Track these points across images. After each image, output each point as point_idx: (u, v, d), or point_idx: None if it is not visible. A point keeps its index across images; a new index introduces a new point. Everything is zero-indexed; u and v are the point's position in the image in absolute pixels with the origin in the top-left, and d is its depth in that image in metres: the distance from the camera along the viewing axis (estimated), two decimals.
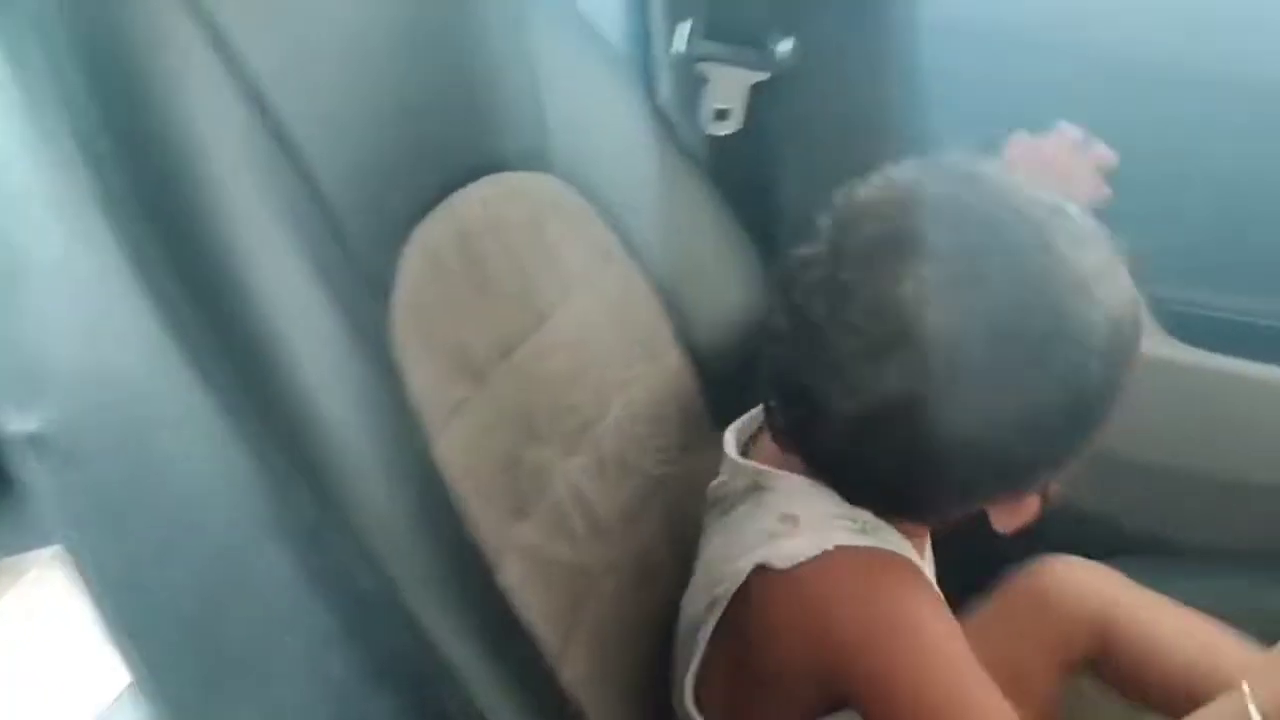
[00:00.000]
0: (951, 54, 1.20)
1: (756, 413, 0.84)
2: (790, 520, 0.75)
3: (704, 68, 1.08)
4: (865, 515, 0.75)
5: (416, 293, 0.75)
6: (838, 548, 0.72)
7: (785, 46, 1.07)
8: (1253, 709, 0.67)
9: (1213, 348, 1.17)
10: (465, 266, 0.80)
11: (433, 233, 0.78)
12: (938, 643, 0.72)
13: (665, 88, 1.15)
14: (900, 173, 0.76)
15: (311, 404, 0.65)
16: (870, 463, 0.73)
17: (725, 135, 1.08)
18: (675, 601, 0.85)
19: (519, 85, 0.90)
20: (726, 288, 1.05)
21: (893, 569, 0.74)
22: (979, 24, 1.27)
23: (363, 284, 0.71)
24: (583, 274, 0.92)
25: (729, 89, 1.07)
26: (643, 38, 1.15)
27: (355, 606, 0.65)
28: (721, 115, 1.08)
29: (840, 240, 0.73)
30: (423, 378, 0.73)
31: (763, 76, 1.07)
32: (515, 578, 0.75)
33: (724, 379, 1.01)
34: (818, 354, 0.71)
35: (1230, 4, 1.25)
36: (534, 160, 0.90)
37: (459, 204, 0.81)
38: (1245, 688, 0.69)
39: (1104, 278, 0.71)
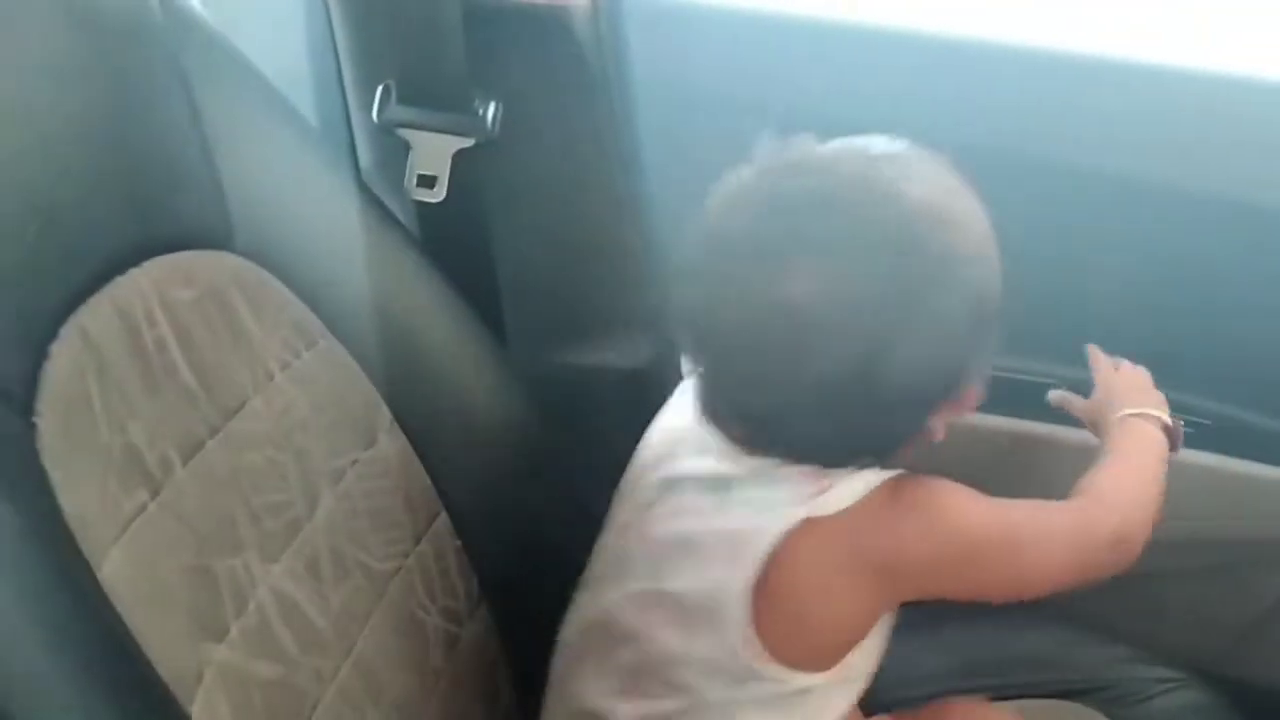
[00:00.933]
0: (668, 114, 1.19)
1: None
2: (821, 478, 0.80)
3: (405, 134, 1.02)
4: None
5: (69, 396, 0.66)
6: (883, 482, 0.80)
7: (489, 111, 1.02)
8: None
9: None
10: (132, 360, 0.71)
11: (89, 326, 0.69)
12: (988, 517, 0.83)
13: (366, 156, 1.10)
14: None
15: None
16: (841, 423, 0.78)
17: (433, 203, 1.02)
18: (412, 707, 0.78)
19: (190, 160, 0.83)
20: (445, 359, 0.99)
21: (921, 479, 0.82)
22: (695, 85, 1.25)
23: None
24: (280, 358, 0.85)
25: (433, 155, 1.02)
26: (340, 104, 1.09)
27: None
28: (427, 182, 1.02)
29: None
30: (83, 492, 0.64)
31: (467, 143, 1.02)
32: (212, 708, 0.66)
33: (451, 456, 0.95)
34: (767, 365, 0.78)
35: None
36: (213, 239, 0.82)
37: (121, 291, 0.72)
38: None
39: (953, 198, 0.79)
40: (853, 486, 0.80)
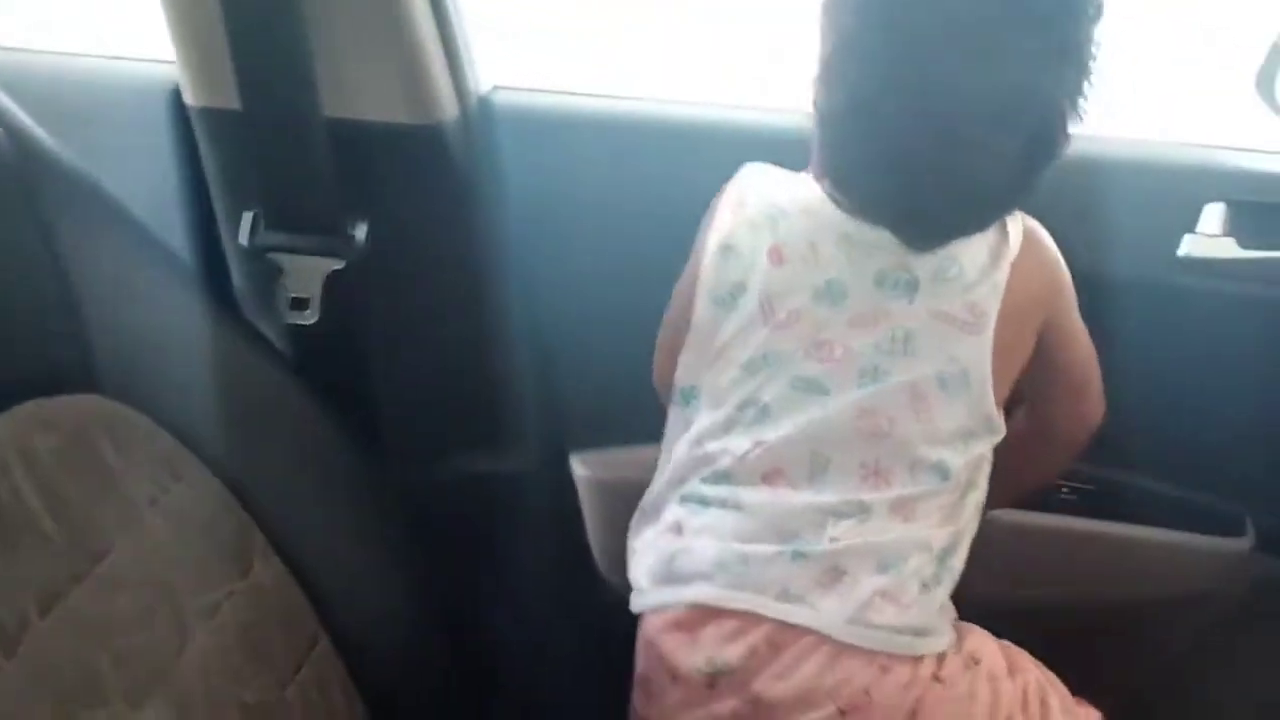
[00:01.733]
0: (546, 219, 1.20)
1: None
2: (1002, 231, 0.94)
3: (277, 258, 1.03)
4: None
5: None
6: (1023, 226, 0.96)
7: (359, 231, 1.04)
8: None
9: None
10: None
11: None
12: None
13: (240, 281, 1.10)
14: None
15: None
16: (1027, 179, 0.90)
17: (307, 325, 1.03)
18: None
19: (49, 303, 0.83)
20: (319, 481, 0.99)
21: (1031, 224, 0.98)
22: (571, 188, 1.26)
23: None
24: (149, 494, 0.84)
25: (304, 278, 1.03)
26: (205, 230, 1.09)
27: None
28: (299, 304, 1.03)
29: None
30: None
31: (339, 264, 1.03)
32: None
33: (330, 577, 0.95)
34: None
35: None
36: (76, 381, 0.82)
37: None
38: None
39: None
40: (1014, 231, 0.95)
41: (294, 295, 1.03)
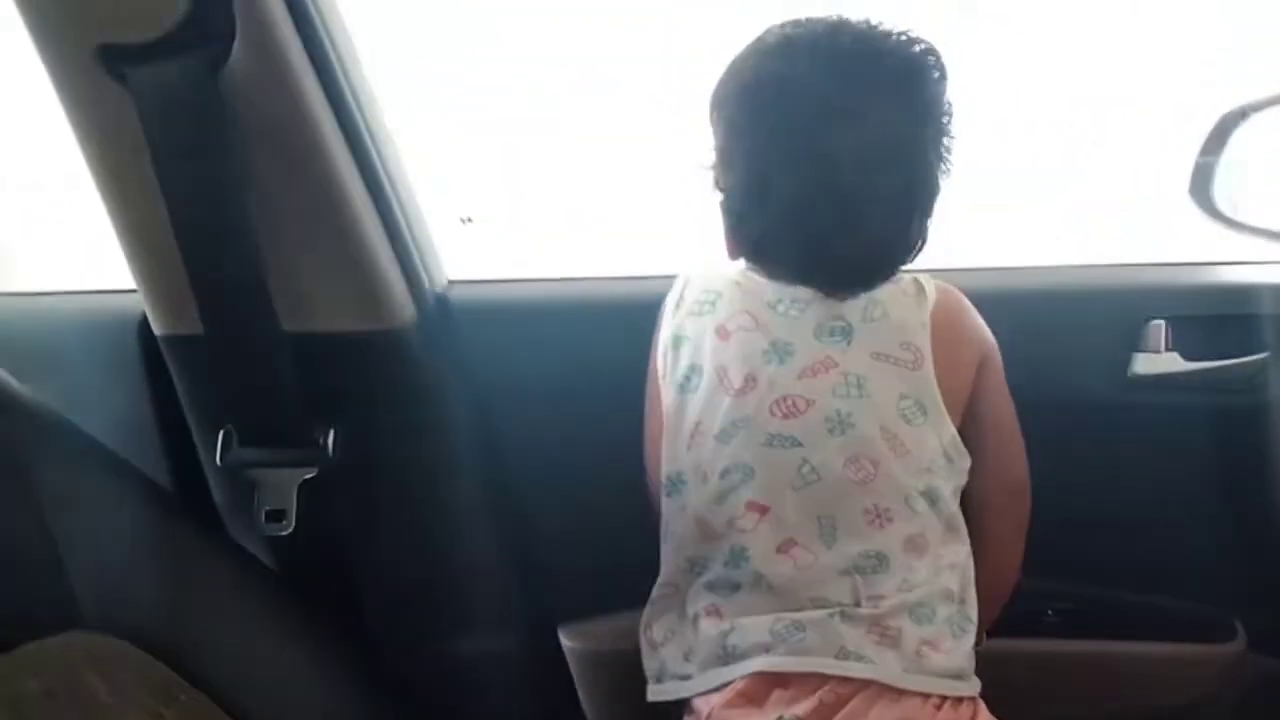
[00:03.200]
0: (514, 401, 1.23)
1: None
2: (917, 284, 1.04)
3: (251, 473, 1.06)
4: None
5: None
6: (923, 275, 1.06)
7: (329, 439, 1.07)
8: None
9: None
10: None
11: None
12: None
13: (219, 497, 1.13)
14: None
15: None
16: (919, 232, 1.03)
17: (286, 534, 1.06)
18: None
19: (25, 548, 0.86)
20: (309, 686, 1.00)
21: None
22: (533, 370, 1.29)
23: None
24: None
25: (278, 490, 1.06)
26: (183, 453, 1.12)
27: None
28: (276, 516, 1.05)
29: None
30: None
31: (311, 472, 1.06)
32: None
33: None
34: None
35: None
36: (58, 621, 0.84)
37: None
38: None
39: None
40: (929, 286, 1.04)
41: (269, 508, 1.05)
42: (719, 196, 1.03)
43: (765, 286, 1.04)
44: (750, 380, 1.01)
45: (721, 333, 1.04)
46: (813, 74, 0.98)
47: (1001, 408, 1.08)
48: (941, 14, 1.17)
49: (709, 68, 1.05)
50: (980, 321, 1.08)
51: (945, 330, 1.04)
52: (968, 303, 1.07)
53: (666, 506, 1.06)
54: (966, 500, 1.07)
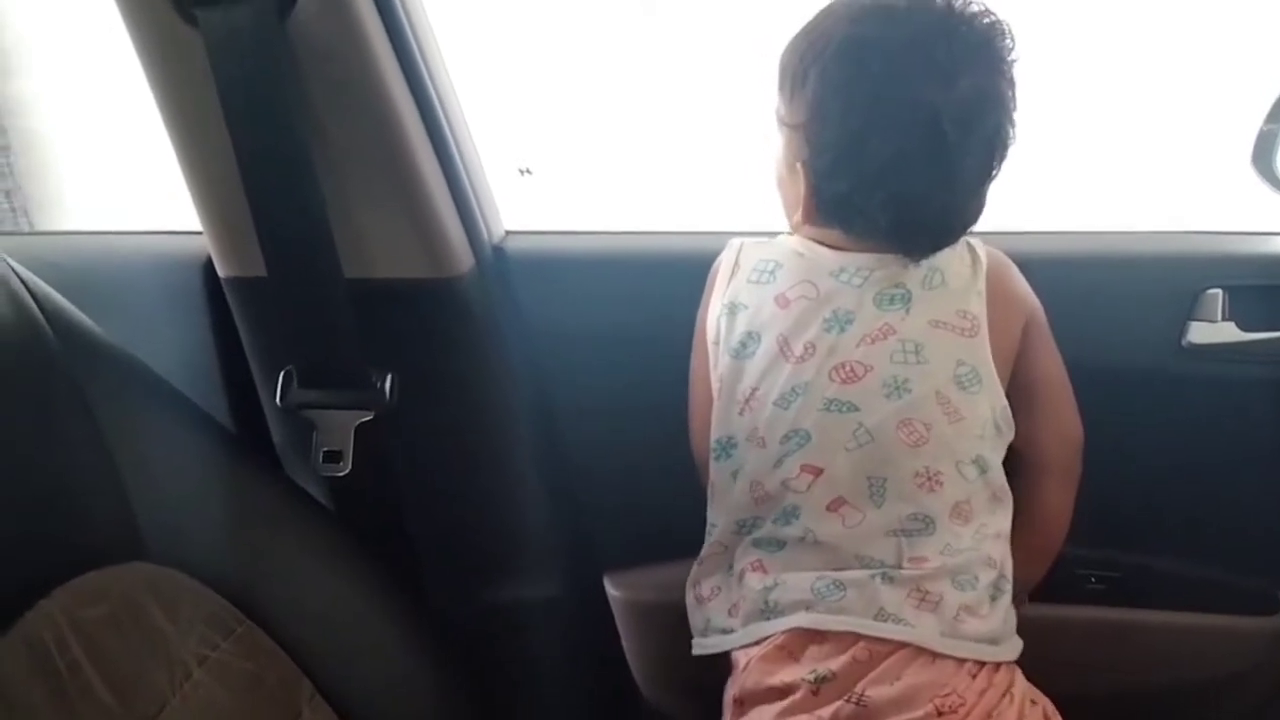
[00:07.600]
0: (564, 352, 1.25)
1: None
2: (973, 251, 1.06)
3: (310, 414, 1.09)
4: None
5: None
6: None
7: (386, 383, 1.09)
8: None
9: None
10: (44, 691, 0.76)
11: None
12: None
13: (279, 437, 1.15)
14: None
15: None
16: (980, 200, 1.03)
17: (343, 475, 1.08)
18: None
19: (94, 481, 0.88)
20: (363, 626, 1.03)
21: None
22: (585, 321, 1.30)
23: None
24: (198, 654, 0.89)
25: (336, 431, 1.08)
26: (245, 393, 1.15)
27: None
28: (333, 457, 1.08)
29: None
30: None
31: (368, 415, 1.08)
32: None
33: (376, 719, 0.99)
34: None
35: None
36: (122, 551, 0.88)
37: (29, 626, 0.77)
38: None
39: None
40: (982, 252, 1.06)
41: (327, 449, 1.08)
42: (802, 156, 1.02)
43: (828, 255, 1.04)
44: (810, 348, 1.03)
45: (782, 301, 1.04)
46: (914, 31, 0.97)
47: (1051, 367, 1.09)
48: None
49: (775, 26, 1.05)
50: (1025, 282, 1.08)
51: (997, 295, 1.05)
52: (1013, 265, 1.08)
53: (716, 471, 1.07)
54: (1020, 458, 1.08)
